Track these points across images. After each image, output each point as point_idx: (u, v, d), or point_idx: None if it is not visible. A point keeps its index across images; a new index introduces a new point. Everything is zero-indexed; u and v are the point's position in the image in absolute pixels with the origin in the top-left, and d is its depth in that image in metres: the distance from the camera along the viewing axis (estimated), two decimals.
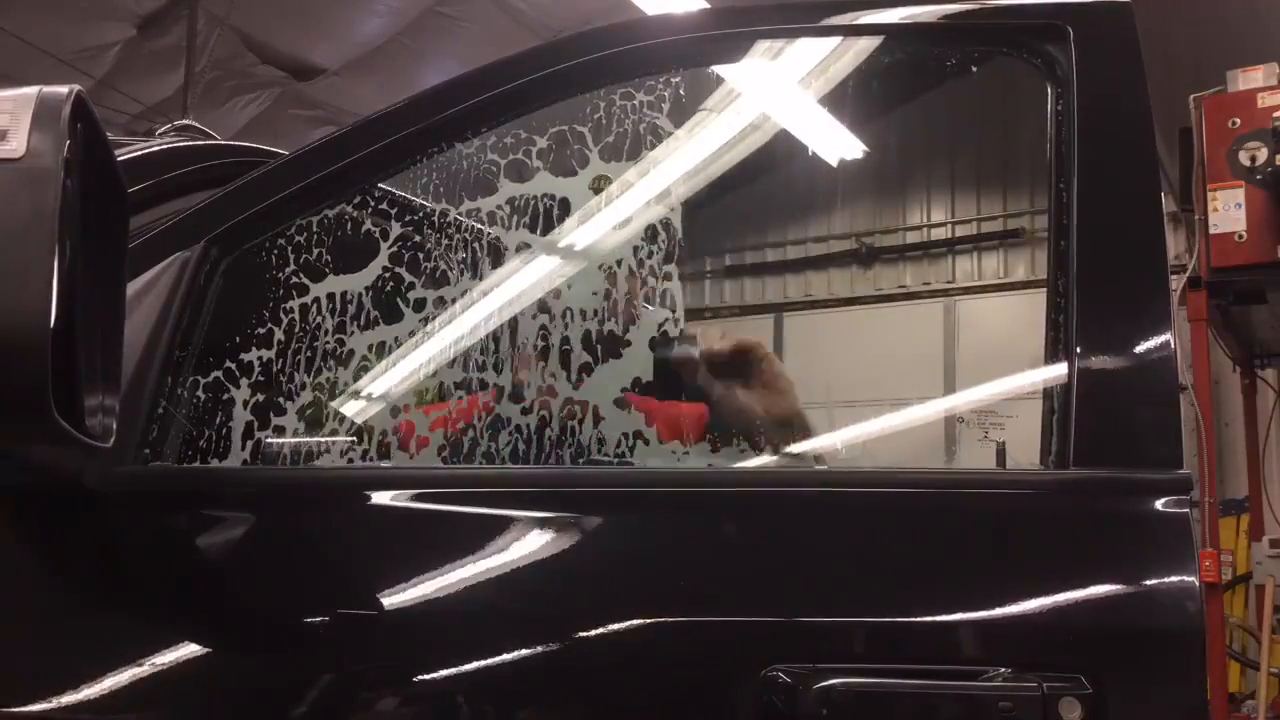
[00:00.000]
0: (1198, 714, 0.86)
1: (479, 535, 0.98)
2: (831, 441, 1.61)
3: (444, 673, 0.93)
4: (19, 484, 0.98)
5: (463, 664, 0.93)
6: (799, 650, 0.88)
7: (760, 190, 8.87)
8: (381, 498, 1.02)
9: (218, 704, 0.95)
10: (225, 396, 1.10)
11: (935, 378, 8.59)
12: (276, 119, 6.82)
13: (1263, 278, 3.97)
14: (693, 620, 0.94)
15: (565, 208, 1.19)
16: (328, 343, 1.14)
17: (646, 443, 1.09)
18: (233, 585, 1.02)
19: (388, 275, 1.17)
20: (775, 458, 1.40)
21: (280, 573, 1.03)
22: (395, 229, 1.19)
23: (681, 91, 1.15)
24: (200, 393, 1.09)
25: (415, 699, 0.94)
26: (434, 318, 1.43)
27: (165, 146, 1.39)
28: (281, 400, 1.13)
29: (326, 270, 1.18)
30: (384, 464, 1.10)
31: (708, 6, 4.07)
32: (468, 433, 1.11)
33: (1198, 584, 0.88)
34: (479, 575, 0.96)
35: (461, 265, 1.19)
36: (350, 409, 1.46)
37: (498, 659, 0.92)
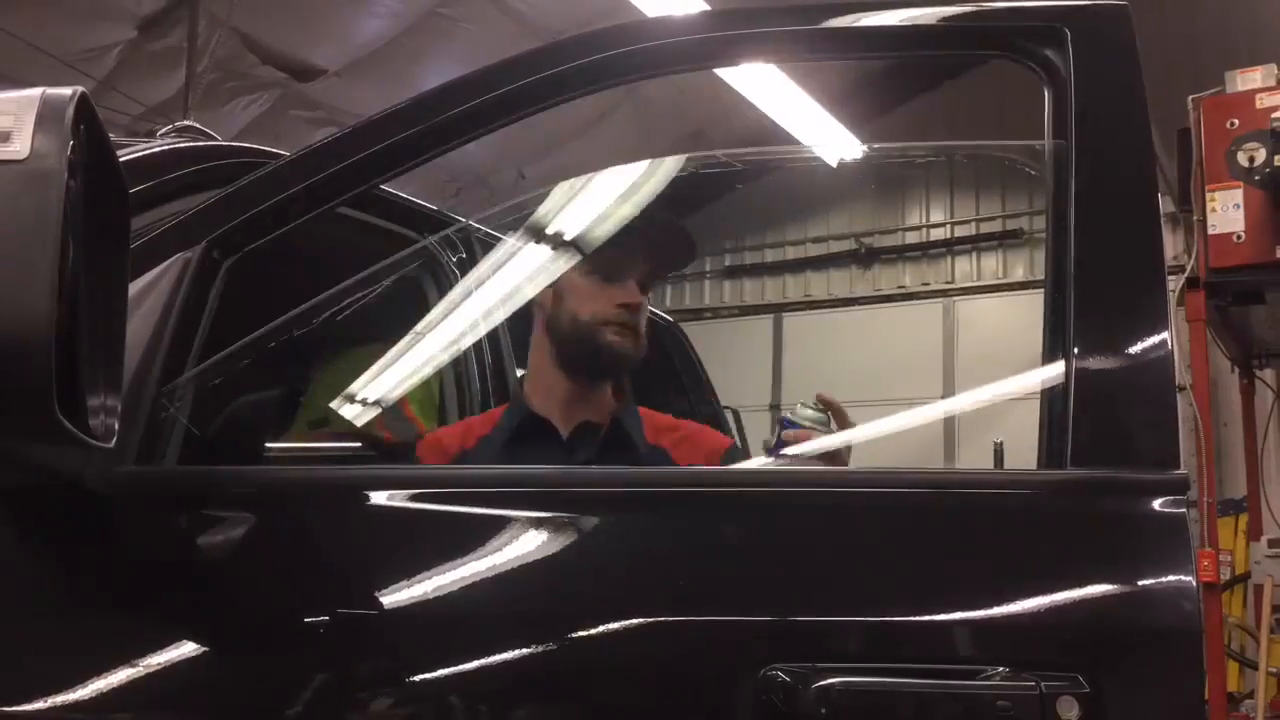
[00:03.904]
0: (1195, 713, 0.87)
1: (479, 535, 0.98)
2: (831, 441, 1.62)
3: (444, 673, 0.93)
4: (20, 484, 0.99)
5: (463, 664, 0.93)
6: (798, 650, 0.88)
7: (760, 190, 8.88)
8: (381, 498, 1.02)
9: (218, 704, 0.95)
10: (225, 396, 1.10)
11: (934, 378, 8.60)
12: (277, 120, 6.82)
13: (1261, 278, 3.97)
14: (692, 620, 0.94)
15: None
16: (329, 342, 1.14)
17: None
18: (233, 585, 1.02)
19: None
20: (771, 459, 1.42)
21: (280, 573, 1.03)
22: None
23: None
24: (201, 393, 1.09)
25: (416, 699, 0.94)
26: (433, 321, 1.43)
27: (166, 147, 1.39)
28: (282, 401, 1.13)
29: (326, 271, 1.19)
30: (384, 464, 1.10)
31: (708, 9, 4.07)
32: None
33: (1195, 584, 0.88)
34: (479, 575, 0.96)
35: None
36: (349, 410, 1.46)
37: (497, 659, 0.93)
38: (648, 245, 1.61)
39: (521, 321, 1.76)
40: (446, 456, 1.62)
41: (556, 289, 1.62)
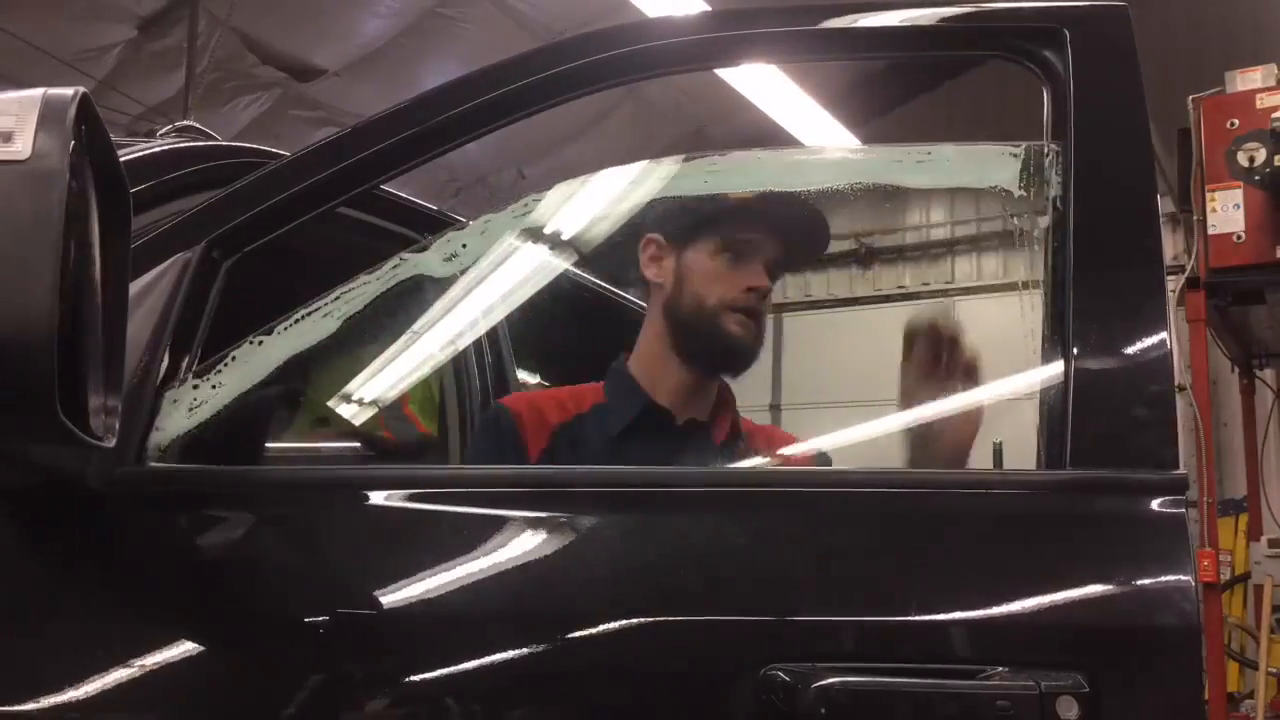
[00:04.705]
0: (1194, 713, 0.87)
1: (479, 535, 0.99)
2: (831, 441, 1.62)
3: (444, 673, 0.94)
4: (20, 484, 0.99)
5: (462, 664, 0.93)
6: (798, 650, 0.89)
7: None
8: (381, 498, 1.02)
9: (218, 704, 0.95)
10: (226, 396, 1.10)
11: None
12: (277, 120, 6.83)
13: (1261, 278, 3.98)
14: (692, 620, 0.94)
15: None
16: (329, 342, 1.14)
17: None
18: (233, 585, 1.02)
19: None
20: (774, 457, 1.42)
21: (280, 573, 1.04)
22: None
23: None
24: (201, 393, 1.09)
25: (415, 699, 0.94)
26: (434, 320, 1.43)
27: (166, 147, 1.39)
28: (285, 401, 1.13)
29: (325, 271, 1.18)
30: (384, 464, 1.10)
31: (708, 9, 4.07)
32: None
33: (1194, 583, 0.88)
34: (478, 575, 0.96)
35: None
36: (349, 410, 1.46)
37: (497, 659, 0.93)
38: (782, 229, 1.49)
39: (522, 320, 1.75)
40: (547, 427, 1.51)
41: (679, 267, 1.50)
